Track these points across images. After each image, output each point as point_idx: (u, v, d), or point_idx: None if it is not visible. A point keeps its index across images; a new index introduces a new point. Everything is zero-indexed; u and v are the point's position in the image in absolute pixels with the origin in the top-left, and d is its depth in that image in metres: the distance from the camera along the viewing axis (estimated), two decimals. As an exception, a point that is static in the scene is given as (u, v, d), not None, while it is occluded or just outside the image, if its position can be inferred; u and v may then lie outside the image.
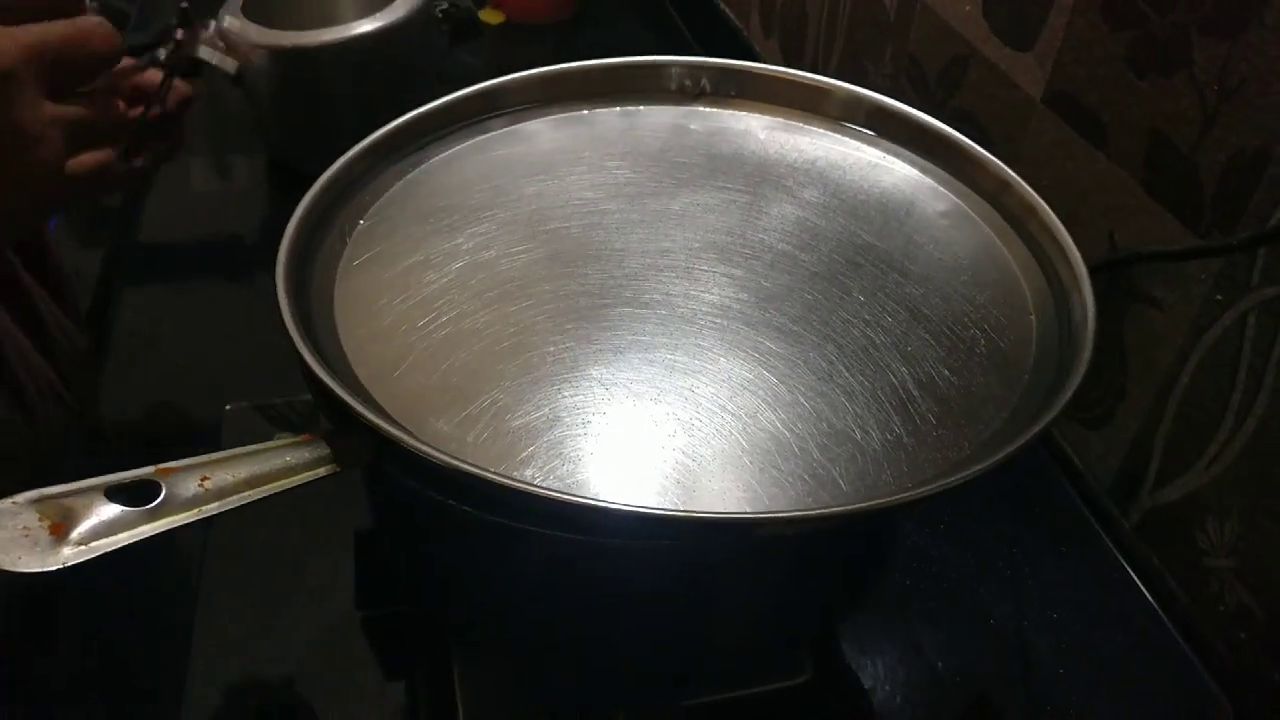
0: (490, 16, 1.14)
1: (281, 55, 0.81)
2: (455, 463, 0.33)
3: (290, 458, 0.36)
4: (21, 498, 0.31)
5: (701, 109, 0.55)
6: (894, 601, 0.57)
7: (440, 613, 0.50)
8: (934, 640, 0.55)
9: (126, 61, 0.58)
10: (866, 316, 0.44)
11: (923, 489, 0.34)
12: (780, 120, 0.54)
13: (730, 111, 0.55)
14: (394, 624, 0.55)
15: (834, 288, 0.45)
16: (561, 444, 0.38)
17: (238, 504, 0.34)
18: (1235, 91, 0.50)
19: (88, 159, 0.50)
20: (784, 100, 0.54)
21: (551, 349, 0.42)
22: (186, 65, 0.81)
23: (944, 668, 0.54)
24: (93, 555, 0.31)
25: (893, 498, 0.34)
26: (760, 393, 0.40)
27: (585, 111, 0.55)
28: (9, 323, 0.56)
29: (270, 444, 0.36)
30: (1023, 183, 0.47)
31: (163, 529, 0.32)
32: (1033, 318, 0.44)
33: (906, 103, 0.53)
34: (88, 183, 0.50)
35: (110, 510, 0.32)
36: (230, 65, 0.80)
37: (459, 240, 0.47)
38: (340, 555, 0.55)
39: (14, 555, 0.30)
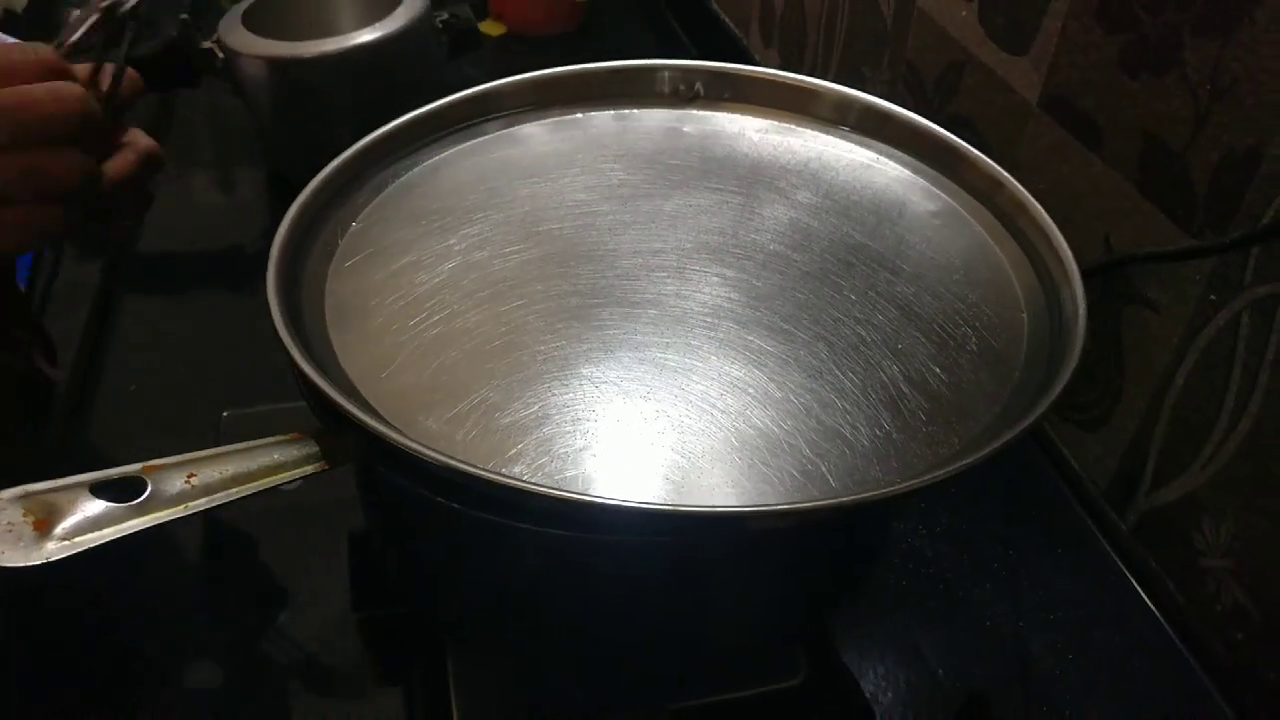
0: (491, 28, 1.15)
1: (280, 65, 0.81)
2: (443, 459, 0.33)
3: (278, 455, 0.36)
4: (6, 494, 0.31)
5: (695, 112, 0.55)
6: (891, 602, 0.57)
7: (431, 611, 0.50)
8: (931, 641, 0.55)
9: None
10: (858, 315, 0.44)
11: (910, 483, 0.34)
12: (773, 122, 0.54)
13: (723, 114, 0.55)
14: (390, 626, 0.55)
15: (825, 287, 0.45)
16: (551, 441, 0.38)
17: (224, 500, 0.34)
18: (1227, 91, 0.50)
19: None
20: (776, 102, 0.55)
21: (542, 348, 0.42)
22: (175, 72, 0.82)
23: (940, 668, 0.54)
24: (77, 550, 0.31)
25: (879, 491, 0.34)
26: (751, 390, 0.40)
27: (579, 115, 0.55)
28: None
29: (258, 442, 0.36)
30: (1013, 180, 0.47)
31: (148, 525, 0.32)
32: (1024, 315, 0.44)
33: (906, 109, 0.53)
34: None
35: (95, 506, 0.32)
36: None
37: (451, 241, 0.47)
38: (338, 557, 0.55)
39: (-2, 549, 0.30)
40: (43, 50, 0.44)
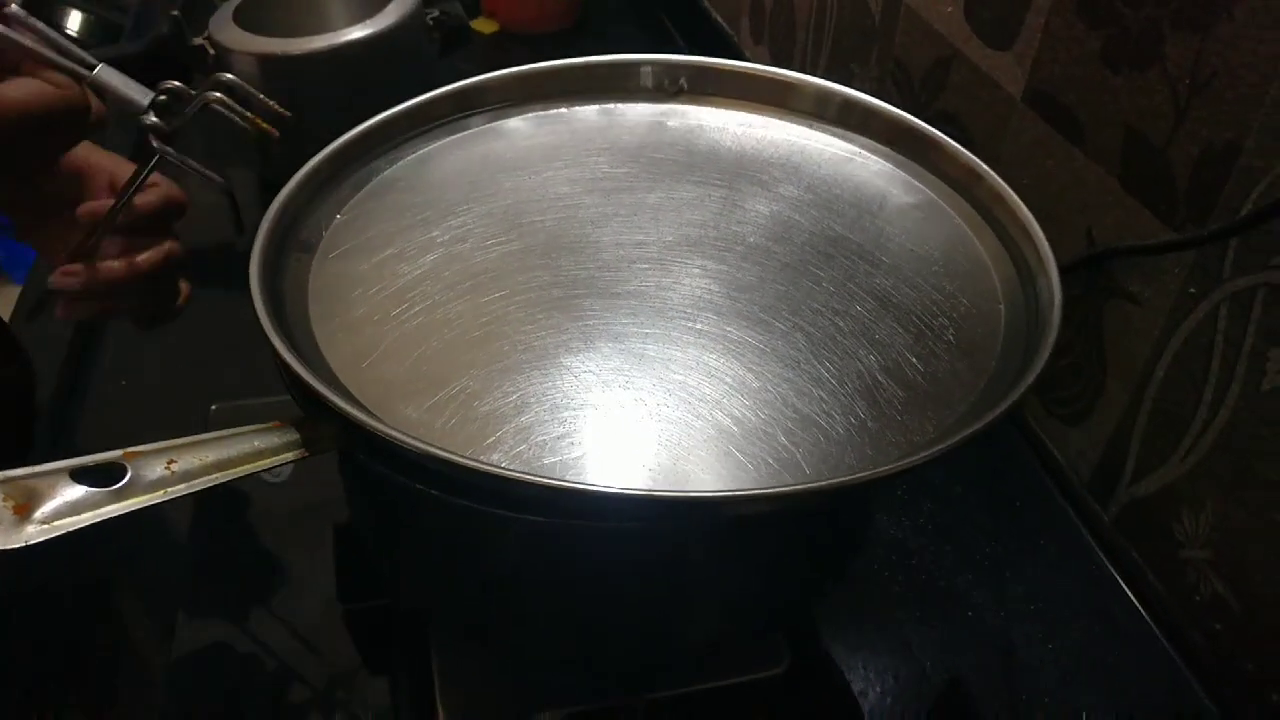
0: (484, 26, 1.15)
1: (270, 62, 0.82)
2: (419, 445, 0.34)
3: (258, 442, 0.36)
4: (-13, 478, 0.31)
5: (679, 106, 0.56)
6: (874, 593, 0.57)
7: (412, 599, 0.50)
8: (913, 631, 0.55)
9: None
10: (836, 306, 0.44)
11: (881, 469, 0.34)
12: (756, 116, 0.55)
13: (707, 108, 0.55)
14: (376, 617, 0.55)
15: (805, 279, 0.45)
16: (529, 429, 0.38)
17: (204, 486, 0.34)
18: (1206, 85, 0.50)
19: None
20: (759, 97, 0.55)
21: (522, 338, 0.42)
22: (165, 69, 0.82)
23: (923, 658, 0.54)
24: (56, 534, 0.31)
25: (851, 477, 0.34)
26: (728, 380, 0.40)
27: (564, 109, 0.55)
28: None
29: (239, 429, 0.37)
30: (991, 171, 0.48)
31: (127, 509, 0.32)
32: (1001, 306, 0.44)
33: (892, 106, 0.53)
34: None
35: (75, 491, 0.32)
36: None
37: (434, 233, 0.47)
38: (323, 549, 0.56)
39: (-23, 533, 0.30)
40: None
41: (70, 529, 0.31)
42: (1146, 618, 0.56)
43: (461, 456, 0.33)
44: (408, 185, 0.50)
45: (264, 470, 0.36)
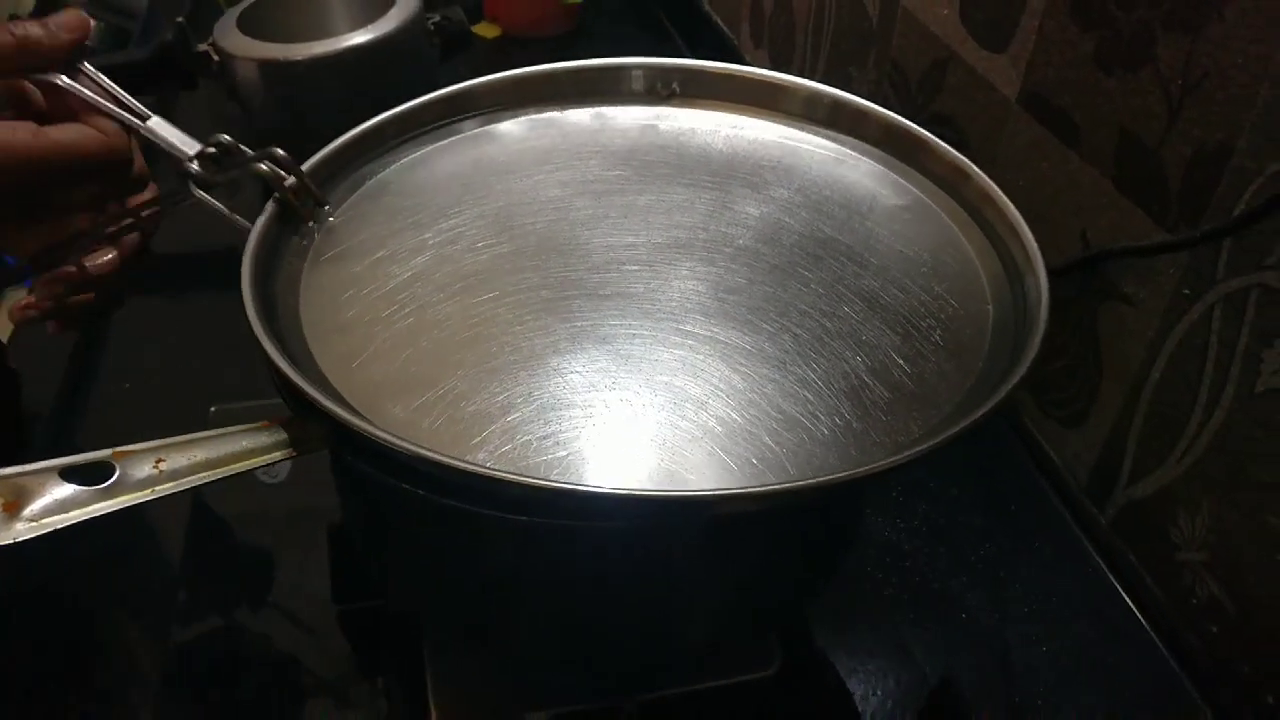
0: (486, 30, 1.16)
1: (273, 68, 0.82)
2: (404, 444, 0.34)
3: (246, 442, 0.37)
4: (-25, 477, 0.32)
5: (671, 109, 0.56)
6: (868, 595, 0.57)
7: (400, 599, 0.51)
8: (908, 633, 0.55)
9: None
10: (824, 307, 0.44)
11: (861, 469, 0.34)
12: (747, 119, 0.55)
13: (698, 111, 0.56)
14: (370, 618, 0.55)
15: (793, 280, 0.46)
16: (515, 429, 0.38)
17: (192, 485, 0.35)
18: (1197, 86, 0.50)
19: None
20: (750, 99, 0.55)
21: (511, 339, 0.42)
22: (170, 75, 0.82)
23: (918, 660, 0.54)
24: (45, 531, 0.31)
25: (832, 477, 0.34)
26: (714, 381, 0.41)
27: (556, 113, 0.56)
28: None
29: (228, 429, 0.37)
30: (978, 170, 0.48)
31: (115, 507, 0.33)
32: (990, 307, 0.44)
33: (889, 109, 0.53)
34: None
35: (64, 490, 0.33)
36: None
37: (426, 235, 0.47)
38: (318, 550, 0.56)
39: (-34, 531, 0.31)
40: None
41: (59, 526, 0.32)
42: (1142, 620, 0.56)
43: (445, 456, 0.34)
44: (400, 188, 0.51)
45: (252, 470, 0.37)
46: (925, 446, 0.35)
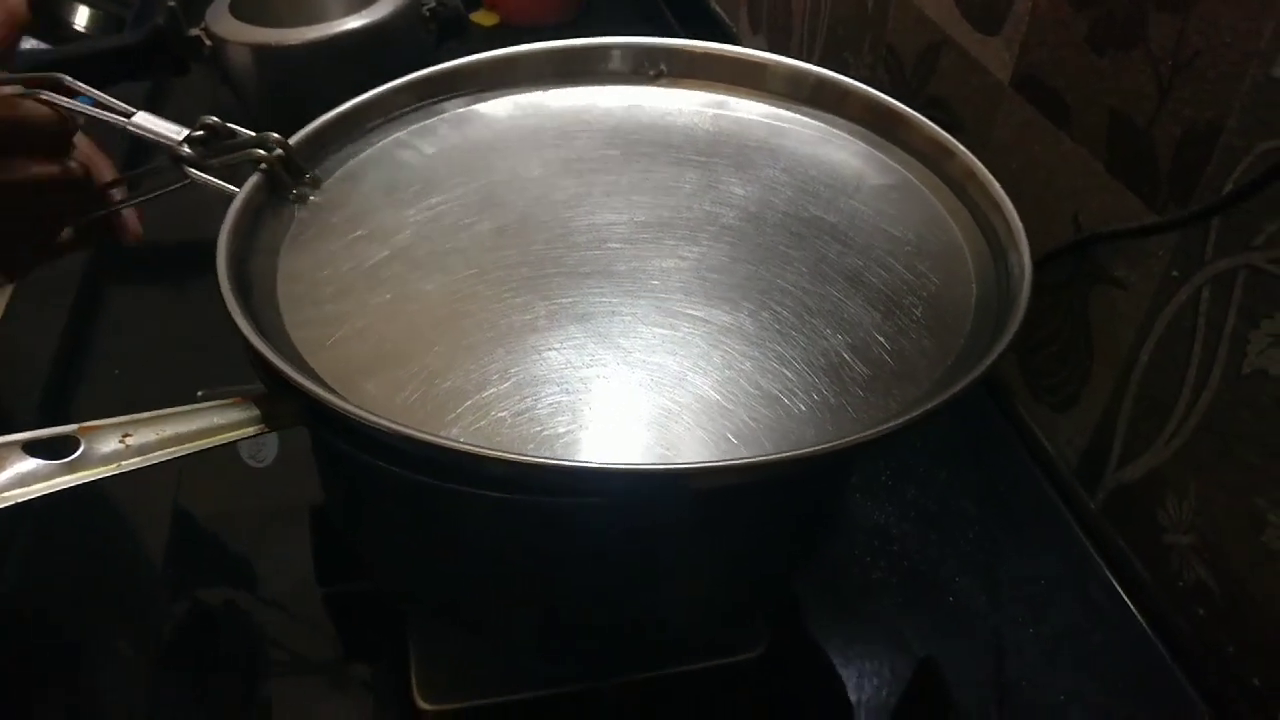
0: (484, 18, 1.15)
1: (266, 52, 0.82)
2: (373, 419, 0.34)
3: (217, 418, 0.37)
4: (-63, 450, 0.32)
5: (656, 89, 0.55)
6: (855, 579, 0.57)
7: (379, 577, 0.51)
8: (897, 617, 0.55)
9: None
10: (806, 285, 0.44)
11: (836, 443, 0.34)
12: (732, 98, 0.54)
13: (684, 91, 0.55)
14: (355, 600, 0.55)
15: (775, 258, 0.45)
16: (489, 406, 0.38)
17: (159, 460, 0.35)
18: (1188, 65, 0.50)
19: None
20: (735, 79, 0.55)
21: (489, 317, 0.42)
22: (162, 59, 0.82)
23: (905, 643, 0.54)
24: (7, 504, 0.31)
25: (806, 450, 0.34)
26: (692, 357, 0.40)
27: (542, 93, 0.55)
28: None
29: (197, 405, 0.37)
30: (961, 147, 0.47)
31: (77, 482, 0.33)
32: (973, 285, 0.44)
33: (884, 93, 0.53)
34: None
35: (27, 464, 0.32)
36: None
37: (406, 214, 0.47)
38: (300, 527, 0.56)
39: (-75, 503, 0.31)
40: None
41: (21, 500, 0.32)
42: (1130, 604, 0.55)
43: (416, 430, 0.33)
44: (382, 169, 0.50)
45: (222, 445, 0.36)
46: (900, 421, 0.35)
